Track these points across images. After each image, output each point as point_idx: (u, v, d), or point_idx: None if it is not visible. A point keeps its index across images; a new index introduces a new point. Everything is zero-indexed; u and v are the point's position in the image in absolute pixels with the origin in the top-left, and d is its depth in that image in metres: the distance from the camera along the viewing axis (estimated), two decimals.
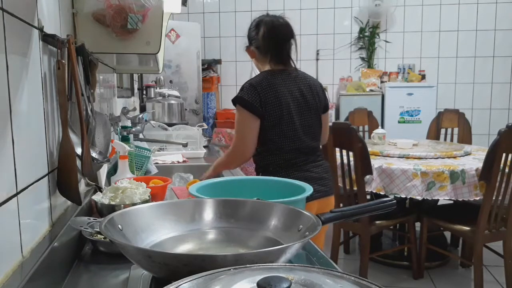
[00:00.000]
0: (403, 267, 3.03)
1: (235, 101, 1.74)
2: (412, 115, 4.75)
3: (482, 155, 2.64)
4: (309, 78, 1.85)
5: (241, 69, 5.14)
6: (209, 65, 4.92)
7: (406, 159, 2.74)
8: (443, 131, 3.96)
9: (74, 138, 0.97)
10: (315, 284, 0.50)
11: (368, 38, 5.07)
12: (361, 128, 3.95)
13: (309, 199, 1.69)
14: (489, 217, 2.43)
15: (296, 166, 1.76)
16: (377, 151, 2.87)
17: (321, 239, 1.85)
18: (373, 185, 2.58)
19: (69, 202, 1.04)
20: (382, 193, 2.55)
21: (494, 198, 2.40)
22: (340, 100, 4.83)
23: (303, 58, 4.96)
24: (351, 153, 2.54)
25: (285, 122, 1.73)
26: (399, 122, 4.75)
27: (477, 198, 2.50)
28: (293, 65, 1.83)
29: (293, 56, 1.83)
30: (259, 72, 1.85)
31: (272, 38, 1.77)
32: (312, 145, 1.81)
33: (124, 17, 1.18)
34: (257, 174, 1.82)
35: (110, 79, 2.12)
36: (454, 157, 2.80)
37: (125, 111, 2.22)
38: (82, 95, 1.00)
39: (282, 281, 0.47)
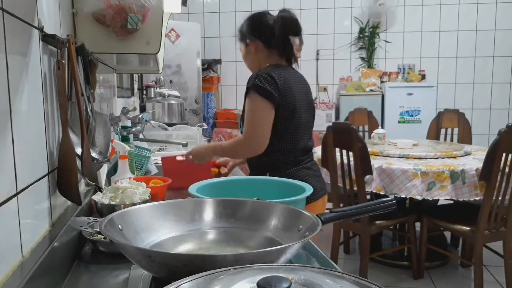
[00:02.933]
0: (403, 267, 3.03)
1: (251, 88, 1.66)
2: (412, 115, 4.75)
3: (482, 155, 2.64)
4: (304, 78, 1.84)
5: (241, 69, 5.13)
6: (209, 65, 4.92)
7: (406, 159, 2.74)
8: (443, 131, 3.96)
9: (74, 138, 0.97)
10: (315, 284, 0.50)
11: (368, 38, 5.07)
12: (361, 128, 3.95)
13: (315, 198, 1.70)
14: (489, 217, 2.43)
15: (303, 163, 1.74)
16: (377, 151, 2.87)
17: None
18: (373, 185, 2.58)
19: (69, 202, 1.04)
20: (382, 193, 2.56)
21: (494, 198, 2.40)
22: (340, 100, 4.83)
23: (303, 58, 4.95)
24: (351, 153, 2.54)
25: (296, 118, 1.69)
26: (399, 122, 4.76)
27: (477, 198, 2.50)
28: (293, 63, 1.81)
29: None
30: (250, 67, 1.85)
31: (285, 32, 1.73)
32: (310, 144, 1.81)
33: (124, 17, 1.18)
34: (263, 174, 1.72)
35: (110, 79, 2.12)
36: (454, 157, 2.80)
37: (125, 111, 2.22)
38: (82, 95, 1.00)
39: (282, 281, 0.47)
